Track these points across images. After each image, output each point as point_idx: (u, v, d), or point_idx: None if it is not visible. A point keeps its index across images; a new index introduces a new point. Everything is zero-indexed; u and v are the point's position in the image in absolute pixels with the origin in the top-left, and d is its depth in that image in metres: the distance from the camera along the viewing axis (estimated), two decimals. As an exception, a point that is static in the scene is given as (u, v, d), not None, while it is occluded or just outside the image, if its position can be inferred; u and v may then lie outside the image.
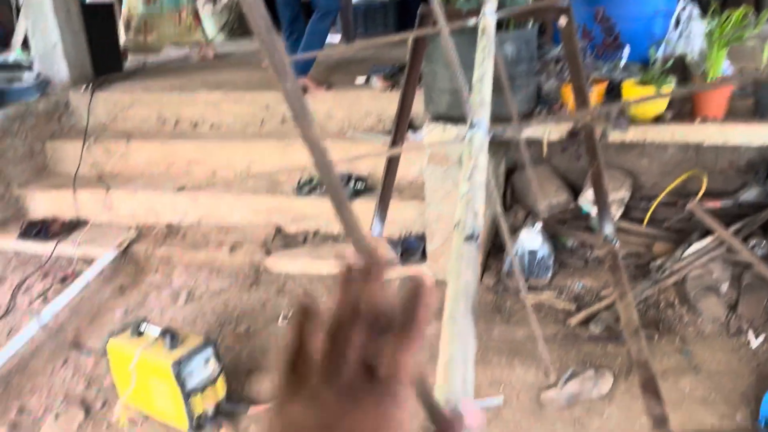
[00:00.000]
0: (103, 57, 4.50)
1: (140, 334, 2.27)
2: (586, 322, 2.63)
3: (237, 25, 6.56)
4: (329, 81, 3.88)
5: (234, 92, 3.92)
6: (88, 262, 3.29)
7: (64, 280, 3.19)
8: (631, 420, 2.12)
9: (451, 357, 0.67)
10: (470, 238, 0.81)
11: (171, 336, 2.19)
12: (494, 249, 3.16)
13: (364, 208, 3.20)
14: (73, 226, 3.61)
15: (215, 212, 3.53)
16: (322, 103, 3.74)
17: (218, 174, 3.75)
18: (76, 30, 4.27)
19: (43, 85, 4.03)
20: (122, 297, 3.07)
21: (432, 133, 2.78)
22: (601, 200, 2.08)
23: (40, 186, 3.79)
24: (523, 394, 2.29)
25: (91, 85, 4.13)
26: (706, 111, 2.53)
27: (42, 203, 3.76)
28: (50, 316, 2.84)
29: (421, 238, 3.10)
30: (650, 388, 1.56)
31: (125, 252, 3.35)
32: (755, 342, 2.44)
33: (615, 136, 2.55)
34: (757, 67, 2.54)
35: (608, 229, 2.08)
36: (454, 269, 0.78)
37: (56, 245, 3.42)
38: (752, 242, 2.77)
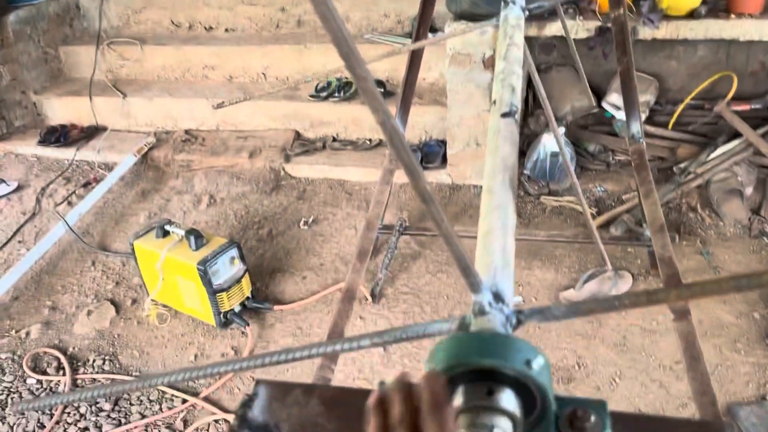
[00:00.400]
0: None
1: (165, 234, 2.30)
2: (606, 224, 2.63)
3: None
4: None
5: (248, -7, 3.79)
6: (109, 167, 3.31)
7: (87, 185, 3.22)
8: (647, 319, 2.16)
9: (491, 228, 0.67)
10: (507, 114, 0.79)
11: (196, 236, 2.22)
12: (515, 154, 3.12)
13: (383, 112, 3.15)
14: (91, 133, 3.61)
15: (234, 118, 3.50)
16: (338, 3, 3.61)
17: (234, 79, 3.69)
18: (82, -72, 4.10)
19: (52, -13, 3.92)
20: (145, 201, 3.10)
21: (454, 33, 2.68)
22: (629, 98, 2.03)
23: (57, 92, 3.76)
24: (542, 294, 2.32)
25: (100, -14, 4.01)
26: (742, 7, 2.41)
27: (59, 109, 3.75)
28: (76, 218, 2.89)
29: (442, 143, 3.07)
30: (674, 284, 1.58)
31: (145, 158, 3.36)
32: (777, 244, 2.43)
33: (645, 33, 2.46)
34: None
35: (635, 128, 2.04)
36: (491, 144, 0.77)
37: (77, 151, 3.44)
38: (780, 145, 2.71)
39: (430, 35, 3.31)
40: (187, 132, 3.53)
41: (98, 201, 3.05)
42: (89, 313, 2.42)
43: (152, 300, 2.37)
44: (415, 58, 2.20)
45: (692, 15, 2.44)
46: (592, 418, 0.53)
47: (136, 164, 3.31)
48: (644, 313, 2.18)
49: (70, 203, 3.09)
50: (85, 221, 2.96)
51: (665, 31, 2.44)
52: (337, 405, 0.63)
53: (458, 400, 0.50)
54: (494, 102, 0.81)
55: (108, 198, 3.12)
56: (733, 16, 2.42)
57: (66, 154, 3.45)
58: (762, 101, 3.10)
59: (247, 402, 0.64)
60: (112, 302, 2.48)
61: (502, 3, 1.01)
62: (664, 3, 2.44)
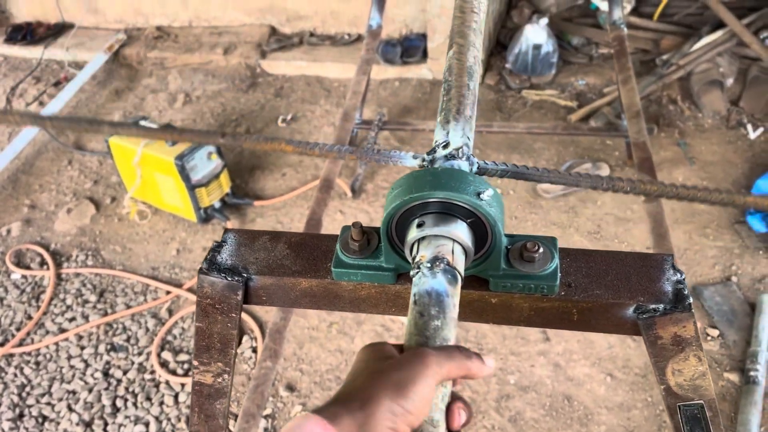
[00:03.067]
0: None
1: (140, 130, 2.26)
2: (586, 118, 2.62)
3: None
4: None
5: None
6: (79, 66, 3.21)
7: (58, 84, 3.13)
8: (621, 208, 2.20)
9: (461, 83, 0.66)
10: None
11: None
12: (497, 48, 3.06)
13: (361, 5, 3.06)
14: (59, 30, 3.47)
15: (206, 13, 3.37)
16: None
17: (206, -29, 3.52)
18: None
19: None
20: (119, 100, 3.03)
21: None
22: (612, -18, 1.97)
23: (19, -13, 3.58)
24: (521, 185, 2.34)
25: None
26: None
27: (24, 6, 3.58)
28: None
29: (423, 37, 2.99)
30: (646, 166, 1.59)
31: (116, 55, 3.25)
32: (753, 134, 2.45)
33: None
34: None
35: (617, 14, 1.99)
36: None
37: (44, 49, 3.32)
38: (764, 35, 2.67)
39: None
40: (158, 28, 3.41)
41: (71, 100, 2.98)
42: (69, 210, 2.42)
43: (131, 197, 2.36)
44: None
45: None
46: (541, 250, 0.55)
47: (108, 62, 3.21)
48: (619, 203, 2.21)
49: (41, 103, 3.02)
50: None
51: None
52: (302, 248, 0.64)
53: (413, 231, 0.52)
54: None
55: (81, 97, 3.05)
56: None
57: (34, 52, 3.33)
58: (749, -10, 3.03)
59: (216, 247, 0.65)
60: (92, 200, 2.47)
61: None
62: None
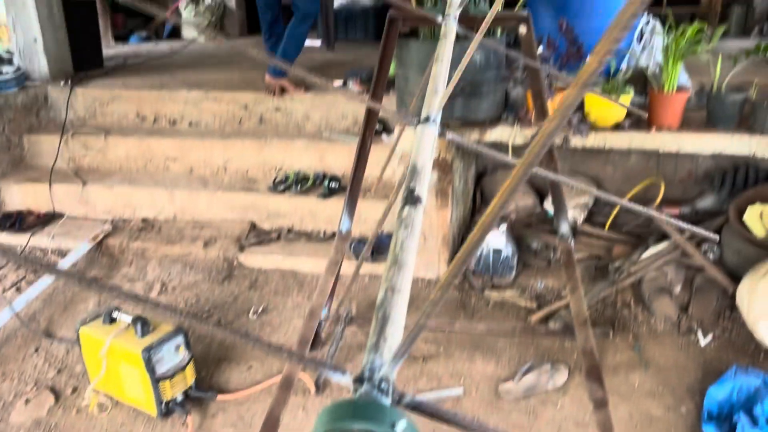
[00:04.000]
0: (84, 53, 4.55)
1: (112, 321, 2.32)
2: (546, 319, 2.74)
3: (219, 27, 6.63)
4: (307, 83, 3.97)
5: (214, 91, 3.98)
6: (63, 254, 3.33)
7: (38, 271, 3.22)
8: (582, 410, 2.23)
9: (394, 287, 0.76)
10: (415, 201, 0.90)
11: (142, 323, 2.25)
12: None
13: (337, 206, 3.29)
14: (48, 219, 3.65)
15: (192, 208, 3.59)
16: (300, 103, 3.83)
17: (195, 171, 3.81)
18: (57, 25, 4.31)
19: (22, 78, 4.07)
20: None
21: (402, 136, 2.87)
22: (557, 201, 2.20)
23: (17, 178, 3.82)
24: (483, 385, 2.38)
25: (70, 80, 4.19)
26: (662, 120, 2.66)
27: (17, 195, 3.79)
28: (23, 304, 2.88)
29: (392, 236, 3.19)
30: (594, 375, 1.66)
31: (100, 245, 3.39)
32: (704, 341, 2.56)
33: (576, 141, 2.67)
34: (711, 81, 2.68)
35: (564, 228, 2.19)
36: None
37: (30, 237, 3.46)
38: (705, 247, 2.90)
39: (384, 135, 3.52)
40: (144, 220, 3.60)
41: (48, 287, 3.06)
42: (27, 401, 2.38)
43: (94, 389, 2.35)
44: (361, 156, 2.35)
45: (617, 127, 2.68)
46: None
47: (91, 251, 3.35)
48: (578, 406, 2.25)
49: (18, 289, 3.09)
50: (33, 307, 2.95)
51: (593, 140, 2.66)
52: None
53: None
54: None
55: (58, 284, 3.13)
56: (654, 129, 2.66)
57: (20, 239, 3.47)
58: (690, 206, 3.35)
59: None
60: (52, 390, 2.44)
61: (418, 119, 1.15)
62: (591, 116, 2.68)
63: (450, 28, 1.56)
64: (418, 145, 1.06)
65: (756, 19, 5.45)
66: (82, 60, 4.51)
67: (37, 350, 2.68)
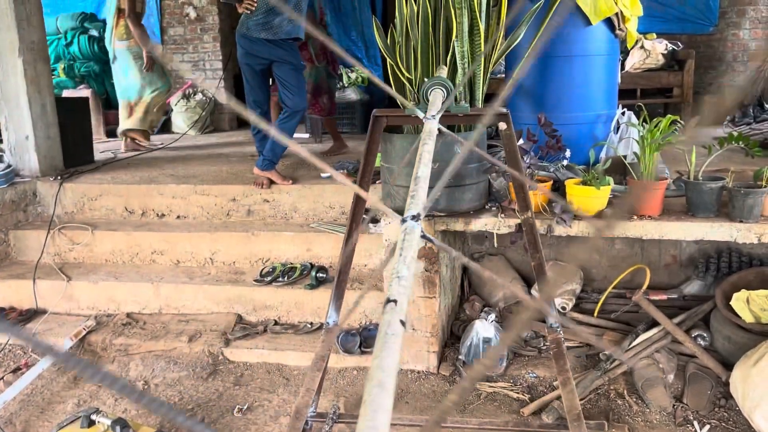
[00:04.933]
0: (75, 149, 4.63)
1: (91, 424, 2.24)
2: (538, 411, 2.67)
3: (209, 122, 6.80)
4: (295, 176, 4.04)
5: (202, 185, 4.03)
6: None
7: (17, 371, 3.13)
8: None
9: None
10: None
11: (122, 426, 2.17)
12: (451, 338, 3.23)
13: (325, 297, 3.28)
14: (30, 316, 3.58)
15: (177, 302, 3.55)
16: (287, 195, 3.88)
17: (182, 263, 3.80)
18: (50, 123, 4.41)
19: (11, 175, 4.11)
20: (76, 388, 3.02)
21: (389, 226, 2.90)
22: (544, 290, 2.20)
23: (0, 275, 3.78)
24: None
25: (59, 176, 4.24)
26: (644, 210, 2.72)
27: (0, 293, 3.73)
28: (0, 406, 2.78)
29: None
30: (590, 473, 1.61)
31: (82, 341, 3.32)
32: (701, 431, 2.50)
33: (560, 230, 2.71)
34: (688, 170, 2.75)
35: (552, 318, 2.18)
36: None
37: (11, 336, 3.38)
38: (695, 333, 2.89)
39: (371, 225, 3.55)
40: (128, 315, 3.54)
41: (26, 387, 2.96)
42: None
43: (68, 497, 2.23)
44: (348, 246, 2.36)
45: (600, 215, 2.73)
46: None
47: (72, 348, 3.27)
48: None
49: (-5, 389, 2.99)
50: (10, 409, 2.85)
51: (577, 229, 2.70)
52: None
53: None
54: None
55: (37, 384, 3.03)
56: (635, 217, 2.71)
57: (0, 337, 3.39)
58: (677, 291, 3.36)
59: None
60: (25, 500, 2.32)
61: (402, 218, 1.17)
62: (574, 204, 2.73)
63: (432, 129, 1.61)
64: (401, 246, 1.07)
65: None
66: (73, 156, 4.59)
67: (10, 456, 2.56)
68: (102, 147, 5.63)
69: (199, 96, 6.69)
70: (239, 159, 4.79)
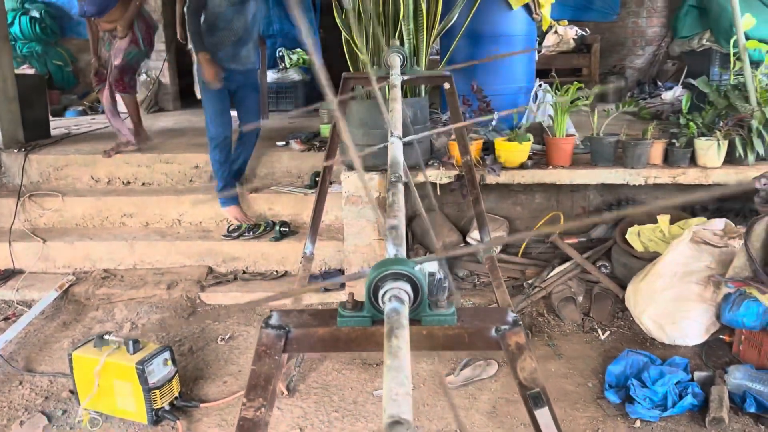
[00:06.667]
0: (34, 123, 4.85)
1: (104, 344, 2.62)
2: (476, 328, 3.23)
3: (153, 102, 7.03)
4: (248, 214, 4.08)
5: (166, 153, 4.37)
6: (28, 305, 3.55)
7: (7, 320, 3.42)
8: (511, 391, 2.71)
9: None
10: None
11: (134, 342, 2.57)
12: (400, 280, 3.75)
13: (290, 247, 3.73)
14: (8, 275, 3.85)
15: (150, 257, 3.90)
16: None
17: (151, 225, 4.14)
18: (10, 98, 4.62)
19: (-22, 146, 4.31)
20: (67, 330, 3.35)
21: (348, 179, 3.38)
22: (481, 221, 2.75)
23: (-25, 239, 4.01)
24: (428, 380, 2.83)
25: (23, 148, 4.47)
26: (556, 161, 3.32)
27: (-23, 254, 3.97)
28: (1, 345, 3.08)
29: (340, 271, 3.64)
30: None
31: (65, 293, 3.63)
32: (602, 336, 3.14)
33: (490, 178, 3.28)
34: (592, 131, 3.38)
35: (485, 245, 2.74)
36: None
37: (-5, 290, 3.65)
38: (599, 264, 3.53)
39: (331, 188, 4.02)
40: (105, 270, 3.87)
41: (20, 332, 3.26)
42: (21, 423, 2.60)
43: (84, 408, 2.60)
44: (320, 197, 2.84)
45: (522, 166, 3.31)
46: (446, 302, 1.08)
47: (57, 300, 3.58)
48: (508, 389, 2.73)
49: (-9, 334, 3.28)
50: (8, 350, 3.15)
51: (504, 177, 3.28)
52: (318, 314, 1.12)
53: (385, 287, 1.03)
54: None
55: (29, 330, 3.34)
56: (550, 167, 3.31)
57: (-16, 294, 3.65)
58: (585, 236, 4.00)
59: (267, 318, 1.11)
60: (44, 413, 2.68)
61: (389, 135, 1.67)
62: (502, 158, 3.30)
63: (397, 82, 2.11)
64: (393, 156, 1.56)
65: (628, 87, 6.47)
66: (32, 130, 4.81)
67: (21, 383, 2.89)
68: (53, 124, 5.80)
69: (143, 77, 6.90)
70: (195, 133, 5.13)
